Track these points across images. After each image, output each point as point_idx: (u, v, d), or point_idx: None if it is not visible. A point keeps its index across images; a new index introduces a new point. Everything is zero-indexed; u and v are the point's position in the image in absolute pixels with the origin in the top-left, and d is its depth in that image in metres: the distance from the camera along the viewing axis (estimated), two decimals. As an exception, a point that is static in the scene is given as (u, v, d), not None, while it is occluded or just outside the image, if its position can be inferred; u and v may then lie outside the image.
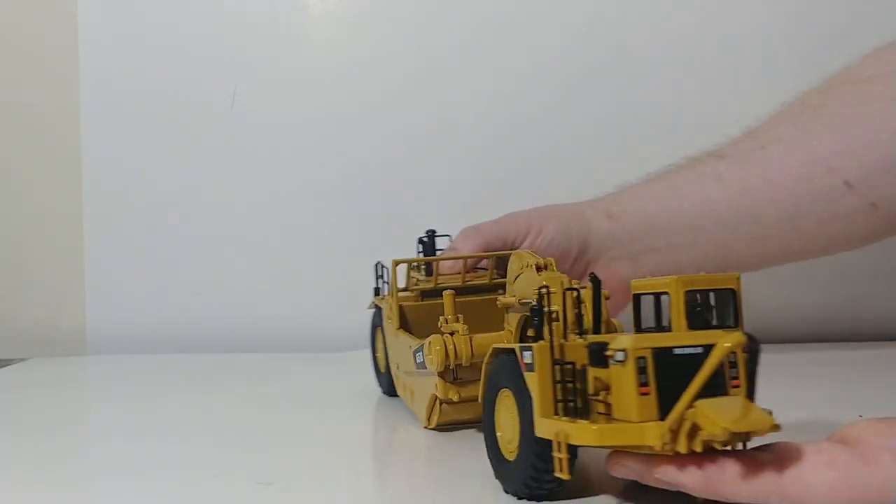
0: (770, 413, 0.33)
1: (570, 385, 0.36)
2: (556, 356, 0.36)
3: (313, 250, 0.91)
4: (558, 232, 0.62)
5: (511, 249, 0.55)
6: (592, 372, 0.36)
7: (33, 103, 0.91)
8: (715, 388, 0.34)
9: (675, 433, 0.33)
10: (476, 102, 0.90)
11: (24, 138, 0.91)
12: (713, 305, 0.38)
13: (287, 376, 0.75)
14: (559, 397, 0.36)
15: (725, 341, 0.33)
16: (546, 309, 0.38)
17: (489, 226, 0.61)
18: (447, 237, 0.61)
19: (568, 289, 0.40)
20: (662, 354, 0.34)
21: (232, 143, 0.91)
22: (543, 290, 0.39)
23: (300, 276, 0.91)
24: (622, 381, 0.35)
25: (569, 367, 0.36)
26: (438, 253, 0.63)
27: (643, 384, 0.34)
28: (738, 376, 0.35)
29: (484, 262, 0.59)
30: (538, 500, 0.38)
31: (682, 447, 0.33)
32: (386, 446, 0.50)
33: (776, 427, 0.33)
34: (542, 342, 0.37)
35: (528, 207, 0.89)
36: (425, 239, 0.62)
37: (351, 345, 0.86)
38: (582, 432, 0.35)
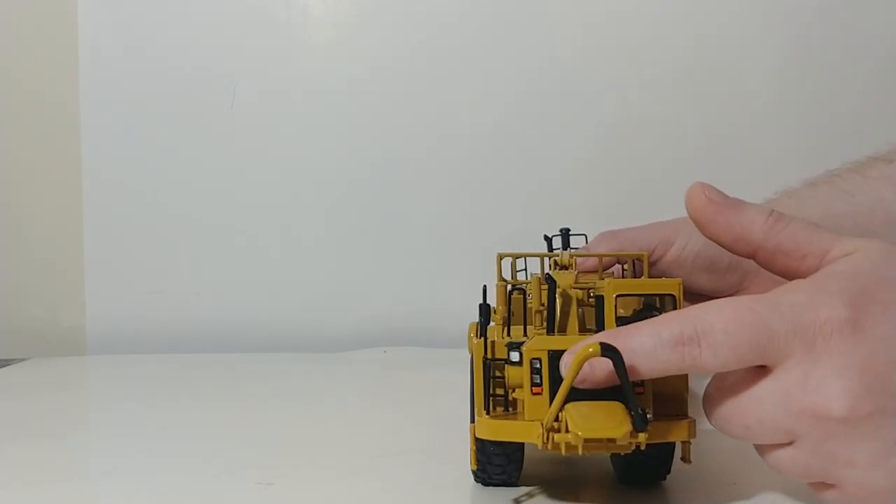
0: (640, 421, 0.33)
1: (497, 380, 0.38)
2: (489, 355, 0.38)
3: (313, 250, 0.91)
4: (707, 242, 0.60)
5: (650, 257, 0.54)
6: (509, 370, 0.37)
7: (33, 103, 0.91)
8: (617, 393, 0.34)
9: (555, 432, 0.34)
10: (478, 103, 0.90)
11: (24, 138, 0.91)
12: (659, 309, 0.38)
13: (287, 376, 0.75)
14: (491, 392, 0.38)
15: (584, 350, 0.33)
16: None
17: (629, 232, 0.59)
18: (583, 236, 0.59)
19: (515, 288, 0.41)
20: (558, 356, 0.35)
21: (232, 143, 0.91)
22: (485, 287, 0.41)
23: (300, 276, 0.91)
24: (521, 380, 0.36)
25: (499, 363, 0.38)
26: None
27: (536, 384, 0.36)
28: (642, 383, 0.35)
29: (616, 267, 0.57)
30: (498, 486, 0.40)
31: (561, 448, 0.33)
32: (386, 446, 0.50)
33: (629, 435, 0.33)
34: (479, 340, 0.39)
35: (535, 210, 0.89)
36: (550, 237, 0.59)
37: (351, 345, 0.86)
38: (482, 426, 0.37)
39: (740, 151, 0.89)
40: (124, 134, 0.91)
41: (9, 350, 0.89)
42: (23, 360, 0.84)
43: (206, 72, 0.90)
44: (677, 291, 0.38)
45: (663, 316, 0.35)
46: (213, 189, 0.91)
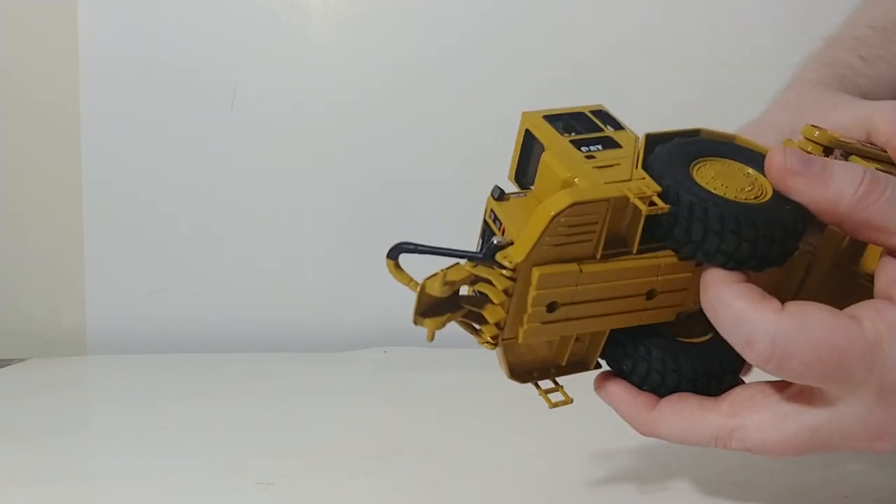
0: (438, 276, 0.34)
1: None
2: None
3: (314, 250, 0.91)
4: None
5: None
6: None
7: (33, 102, 0.91)
8: None
9: None
10: (478, 102, 0.90)
11: (24, 137, 0.91)
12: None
13: (287, 376, 0.75)
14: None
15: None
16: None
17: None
18: None
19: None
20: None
21: (232, 143, 0.91)
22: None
23: (300, 276, 0.91)
24: None
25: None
26: None
27: None
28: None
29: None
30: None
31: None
32: (387, 446, 0.50)
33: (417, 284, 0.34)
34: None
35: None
36: None
37: (351, 345, 0.86)
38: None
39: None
40: (124, 134, 0.91)
41: (9, 350, 0.89)
42: (23, 360, 0.84)
43: (205, 72, 0.90)
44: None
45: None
46: (214, 189, 0.91)
